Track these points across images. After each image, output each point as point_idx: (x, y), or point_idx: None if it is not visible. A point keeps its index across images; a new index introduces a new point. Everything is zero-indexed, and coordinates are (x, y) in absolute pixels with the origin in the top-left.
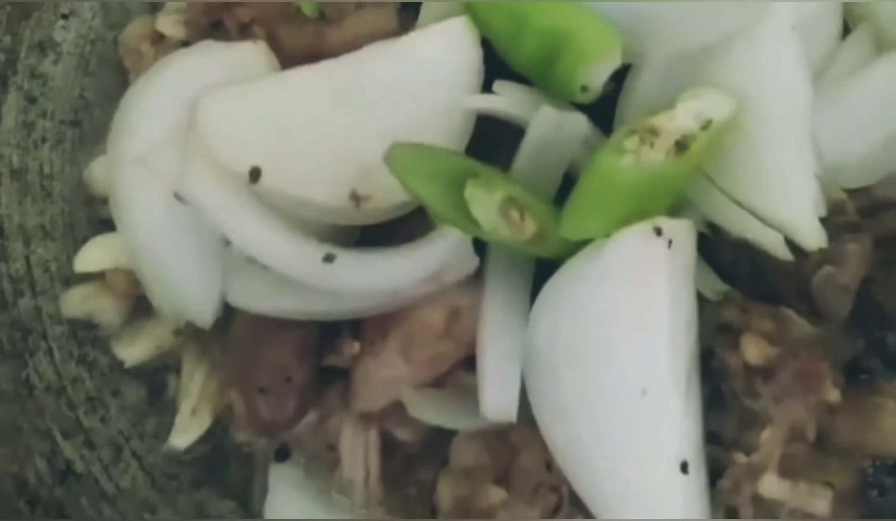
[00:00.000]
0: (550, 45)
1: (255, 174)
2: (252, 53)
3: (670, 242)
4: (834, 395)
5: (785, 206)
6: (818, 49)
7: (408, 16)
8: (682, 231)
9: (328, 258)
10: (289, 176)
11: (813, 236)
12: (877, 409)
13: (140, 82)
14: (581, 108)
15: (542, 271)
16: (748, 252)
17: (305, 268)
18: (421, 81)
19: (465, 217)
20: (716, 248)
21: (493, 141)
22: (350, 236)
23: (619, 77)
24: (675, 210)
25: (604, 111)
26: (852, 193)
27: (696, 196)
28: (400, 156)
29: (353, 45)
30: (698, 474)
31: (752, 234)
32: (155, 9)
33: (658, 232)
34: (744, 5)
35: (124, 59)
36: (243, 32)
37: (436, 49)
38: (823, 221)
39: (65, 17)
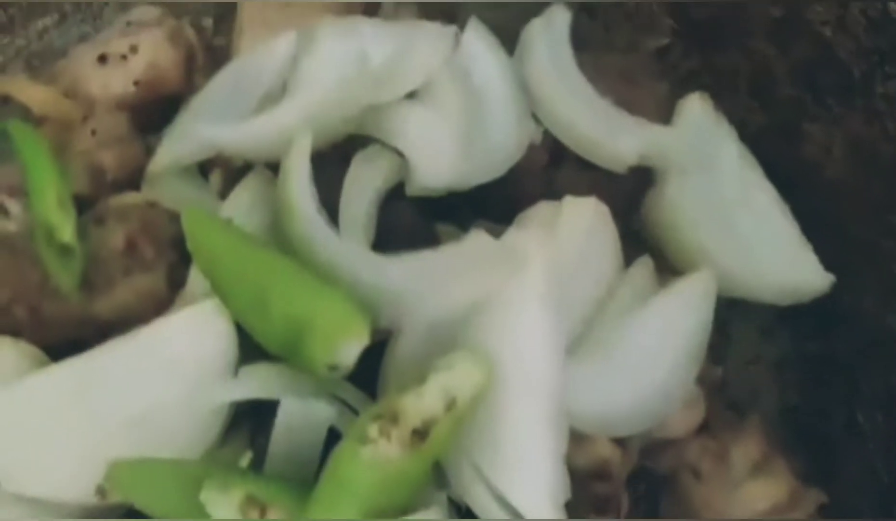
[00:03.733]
0: (294, 327)
1: None
2: None
3: None
4: None
5: (523, 491)
6: (593, 289)
7: (178, 279)
8: None
9: None
10: (30, 479)
11: None
12: None
13: None
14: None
15: None
16: None
17: None
18: (165, 370)
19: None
20: None
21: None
22: None
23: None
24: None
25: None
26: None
27: (449, 468)
28: (119, 475)
29: (123, 312)
30: None
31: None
32: None
33: None
34: (498, 272)
35: None
36: (4, 314)
37: (181, 336)
38: (577, 496)
39: None
